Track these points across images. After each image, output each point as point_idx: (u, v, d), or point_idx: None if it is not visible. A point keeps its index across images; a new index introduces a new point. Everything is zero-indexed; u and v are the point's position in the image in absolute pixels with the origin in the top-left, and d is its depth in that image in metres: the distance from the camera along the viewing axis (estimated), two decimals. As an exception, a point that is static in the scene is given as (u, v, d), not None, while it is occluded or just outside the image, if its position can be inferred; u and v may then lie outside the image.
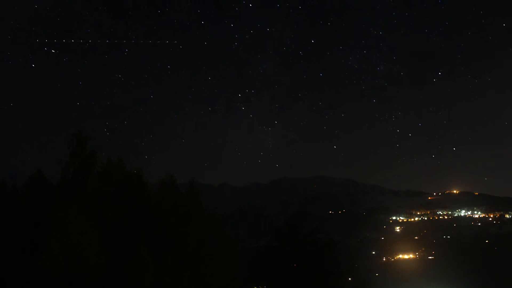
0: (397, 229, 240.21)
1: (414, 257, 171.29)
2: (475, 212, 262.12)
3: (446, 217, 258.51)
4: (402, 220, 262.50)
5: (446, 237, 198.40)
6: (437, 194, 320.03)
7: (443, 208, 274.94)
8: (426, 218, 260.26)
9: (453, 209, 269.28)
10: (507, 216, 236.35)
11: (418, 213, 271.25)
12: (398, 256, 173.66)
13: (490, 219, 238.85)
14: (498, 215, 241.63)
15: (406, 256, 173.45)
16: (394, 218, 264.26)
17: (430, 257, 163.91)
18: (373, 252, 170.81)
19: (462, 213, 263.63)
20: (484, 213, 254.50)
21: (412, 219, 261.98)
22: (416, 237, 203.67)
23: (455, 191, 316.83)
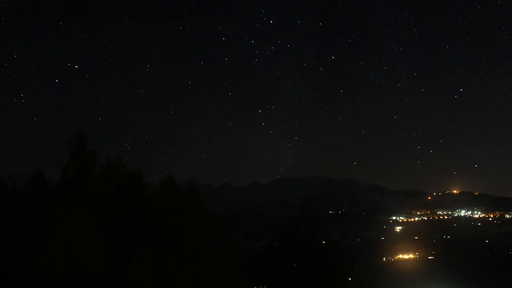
0: (397, 229, 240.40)
1: (414, 257, 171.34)
2: (475, 212, 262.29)
3: (446, 217, 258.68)
4: (402, 220, 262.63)
5: (446, 237, 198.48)
6: (437, 194, 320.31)
7: (443, 208, 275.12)
8: (426, 218, 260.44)
9: (453, 209, 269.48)
10: (507, 216, 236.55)
11: (418, 213, 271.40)
12: (398, 256, 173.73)
13: (490, 219, 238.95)
14: (498, 215, 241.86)
15: (406, 256, 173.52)
16: (394, 218, 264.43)
17: (430, 257, 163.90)
18: (373, 252, 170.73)
19: (462, 213, 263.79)
20: (484, 213, 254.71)
21: (412, 219, 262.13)
22: (416, 237, 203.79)
23: (455, 191, 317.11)
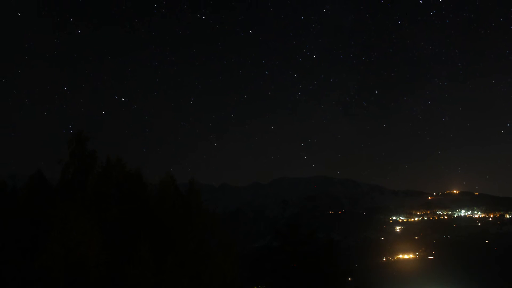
0: (397, 229, 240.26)
1: (414, 257, 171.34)
2: (475, 212, 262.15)
3: (446, 217, 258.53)
4: (402, 220, 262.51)
5: (446, 237, 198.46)
6: (437, 194, 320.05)
7: (443, 208, 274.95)
8: (426, 218, 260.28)
9: (453, 209, 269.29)
10: (507, 216, 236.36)
11: (418, 213, 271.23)
12: (398, 256, 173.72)
13: (490, 219, 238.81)
14: (498, 215, 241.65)
15: (406, 256, 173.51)
16: (394, 218, 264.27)
17: (430, 257, 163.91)
18: (373, 252, 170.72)
19: (462, 213, 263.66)
20: (484, 213, 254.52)
21: (412, 219, 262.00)
22: (416, 237, 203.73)
23: (455, 191, 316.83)
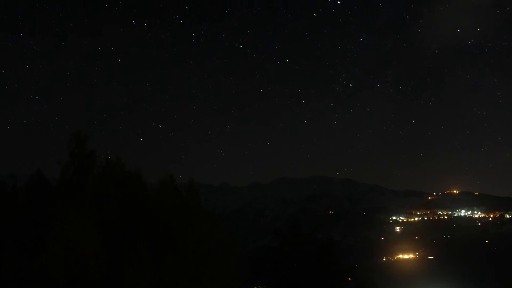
0: (397, 229, 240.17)
1: (414, 257, 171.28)
2: (475, 212, 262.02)
3: (446, 217, 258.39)
4: (402, 220, 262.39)
5: (446, 237, 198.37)
6: (437, 194, 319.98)
7: (443, 208, 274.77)
8: (426, 218, 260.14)
9: (453, 209, 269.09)
10: (507, 216, 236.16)
11: (418, 213, 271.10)
12: (398, 256, 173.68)
13: (490, 219, 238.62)
14: (498, 215, 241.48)
15: (406, 256, 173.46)
16: (394, 218, 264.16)
17: (430, 257, 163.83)
18: (373, 252, 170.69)
19: (462, 213, 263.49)
20: (484, 213, 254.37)
21: (412, 219, 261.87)
22: (416, 237, 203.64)
23: (455, 191, 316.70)
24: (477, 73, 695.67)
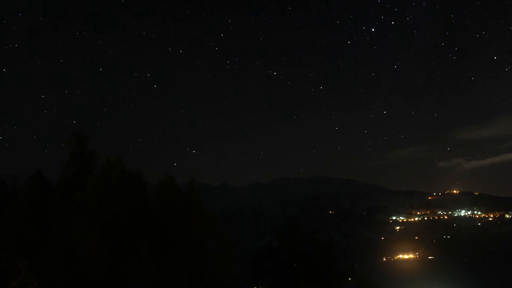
0: (397, 229, 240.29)
1: (414, 257, 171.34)
2: (475, 212, 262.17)
3: (446, 217, 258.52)
4: (402, 220, 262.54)
5: (446, 237, 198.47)
6: (437, 194, 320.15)
7: (443, 208, 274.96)
8: (426, 218, 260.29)
9: (453, 209, 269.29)
10: (507, 216, 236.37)
11: (418, 213, 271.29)
12: (398, 256, 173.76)
13: (490, 219, 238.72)
14: (498, 215, 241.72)
15: (406, 256, 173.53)
16: (394, 218, 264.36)
17: (430, 257, 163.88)
18: (373, 252, 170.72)
19: (462, 213, 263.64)
20: (484, 213, 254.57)
21: (412, 219, 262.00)
22: (416, 237, 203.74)
23: (455, 191, 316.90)
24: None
